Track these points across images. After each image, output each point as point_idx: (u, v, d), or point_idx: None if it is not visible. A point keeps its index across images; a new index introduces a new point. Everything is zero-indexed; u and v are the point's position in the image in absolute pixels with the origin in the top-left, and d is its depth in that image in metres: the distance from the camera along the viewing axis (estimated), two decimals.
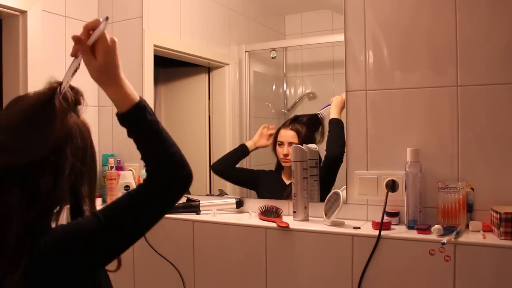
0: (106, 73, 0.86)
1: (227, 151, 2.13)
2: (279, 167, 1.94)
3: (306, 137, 1.84)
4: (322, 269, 1.42)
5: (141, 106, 0.85)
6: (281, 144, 1.88)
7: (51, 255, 0.76)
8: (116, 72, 0.86)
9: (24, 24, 1.80)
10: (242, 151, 2.00)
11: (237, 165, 2.02)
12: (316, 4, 2.06)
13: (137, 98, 0.86)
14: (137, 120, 0.85)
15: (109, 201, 1.88)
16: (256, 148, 1.98)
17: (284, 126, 1.90)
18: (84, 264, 0.79)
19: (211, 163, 2.11)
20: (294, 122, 1.89)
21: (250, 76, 2.15)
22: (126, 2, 2.06)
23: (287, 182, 1.89)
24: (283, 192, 1.83)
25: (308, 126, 1.88)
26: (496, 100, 1.37)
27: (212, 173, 2.12)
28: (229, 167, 2.01)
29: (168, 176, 0.84)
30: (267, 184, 1.96)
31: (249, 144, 1.99)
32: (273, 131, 1.97)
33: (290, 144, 1.84)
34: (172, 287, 1.65)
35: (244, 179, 2.00)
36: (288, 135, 1.87)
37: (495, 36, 1.37)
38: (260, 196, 1.92)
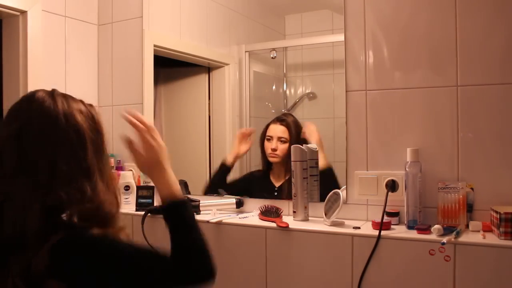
0: (149, 166, 0.99)
1: (227, 151, 2.13)
2: (268, 167, 1.91)
3: (296, 134, 1.83)
4: (322, 269, 1.42)
5: (175, 204, 0.98)
6: (270, 139, 1.86)
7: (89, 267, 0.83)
8: (159, 167, 0.98)
9: (24, 24, 1.80)
10: (223, 170, 1.96)
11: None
12: (316, 4, 2.06)
13: (176, 194, 0.98)
14: (172, 212, 0.97)
15: None
16: (239, 158, 1.95)
17: (273, 121, 1.88)
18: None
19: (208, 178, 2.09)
20: (284, 118, 1.88)
21: (250, 76, 2.15)
22: (126, 2, 2.06)
23: (276, 183, 1.87)
24: (273, 196, 1.82)
25: (297, 124, 1.87)
26: (496, 100, 1.37)
27: (212, 173, 2.12)
28: (220, 187, 1.96)
29: (189, 273, 0.93)
30: (257, 187, 1.93)
31: (228, 159, 1.95)
32: (250, 130, 1.96)
33: (279, 139, 1.83)
34: None
35: (239, 190, 1.91)
36: (278, 130, 1.85)
37: (495, 36, 1.37)
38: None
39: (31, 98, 0.90)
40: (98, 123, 0.95)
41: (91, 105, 0.97)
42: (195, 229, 0.97)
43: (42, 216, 0.82)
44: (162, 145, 0.98)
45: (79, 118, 0.90)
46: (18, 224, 0.81)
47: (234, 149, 1.97)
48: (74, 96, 0.95)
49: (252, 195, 1.79)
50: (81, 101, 0.95)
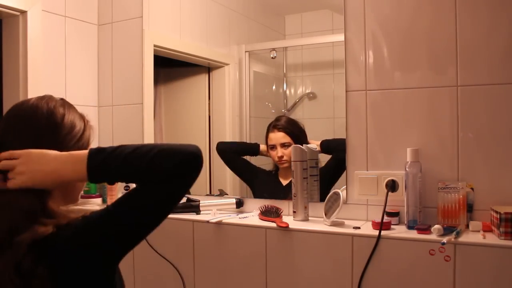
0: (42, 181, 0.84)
1: None
2: (276, 168, 1.94)
3: (296, 133, 1.85)
4: (322, 269, 1.42)
5: (93, 166, 0.82)
6: (273, 147, 1.88)
7: (73, 245, 0.79)
8: (45, 171, 0.83)
9: (24, 24, 1.80)
10: (252, 148, 2.00)
11: None
12: (316, 4, 2.06)
13: (84, 160, 0.82)
14: (104, 173, 0.83)
15: (108, 201, 1.88)
16: (265, 155, 1.97)
17: (271, 130, 1.90)
18: (101, 252, 0.81)
19: (215, 145, 2.10)
20: (279, 123, 1.90)
21: (250, 76, 2.15)
22: (126, 2, 2.06)
23: (284, 182, 1.89)
24: (281, 194, 1.82)
25: (293, 123, 1.90)
26: (496, 100, 1.37)
27: (212, 173, 2.12)
28: (233, 151, 2.01)
29: (172, 182, 0.82)
30: (265, 184, 1.95)
31: (262, 147, 1.98)
32: None
33: (282, 145, 1.85)
34: (172, 287, 1.65)
35: (242, 168, 1.99)
36: (278, 137, 1.87)
37: (495, 36, 1.37)
38: (256, 194, 1.92)
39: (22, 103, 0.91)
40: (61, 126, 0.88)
41: (82, 116, 0.94)
42: (127, 155, 0.82)
43: (19, 216, 0.80)
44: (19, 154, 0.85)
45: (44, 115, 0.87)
46: None
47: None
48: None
49: (257, 190, 1.81)
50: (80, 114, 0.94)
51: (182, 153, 0.83)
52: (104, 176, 0.83)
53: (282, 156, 1.85)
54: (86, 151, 0.83)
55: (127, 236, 0.83)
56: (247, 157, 2.03)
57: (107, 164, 0.82)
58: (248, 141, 2.11)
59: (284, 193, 1.81)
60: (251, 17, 2.20)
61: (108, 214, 0.82)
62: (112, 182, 0.87)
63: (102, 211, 0.82)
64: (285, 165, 1.86)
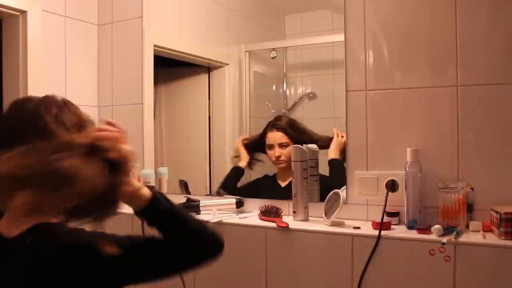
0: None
1: (227, 151, 2.13)
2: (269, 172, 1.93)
3: (295, 134, 1.84)
4: (322, 269, 1.42)
5: (154, 199, 0.88)
6: (271, 147, 1.88)
7: (72, 258, 0.79)
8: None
9: (24, 24, 1.80)
10: (237, 173, 1.98)
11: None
12: (316, 4, 2.05)
13: (148, 194, 0.87)
14: (153, 214, 0.88)
15: None
16: (251, 167, 1.97)
17: (269, 129, 1.89)
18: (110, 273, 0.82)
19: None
20: (278, 123, 1.89)
21: (250, 76, 2.15)
22: (126, 2, 2.06)
23: (283, 184, 1.88)
24: (280, 195, 1.82)
25: (293, 124, 1.89)
26: (496, 100, 1.37)
27: (212, 173, 2.12)
28: (233, 189, 1.97)
29: (195, 255, 0.90)
30: (265, 189, 1.94)
31: (243, 164, 1.97)
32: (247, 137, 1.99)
33: (280, 145, 1.85)
34: (172, 287, 1.65)
35: (250, 194, 1.95)
36: (276, 137, 1.87)
37: (495, 36, 1.37)
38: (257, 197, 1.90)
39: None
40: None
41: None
42: (181, 216, 0.91)
43: None
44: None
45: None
46: None
47: (243, 157, 1.98)
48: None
49: (260, 197, 1.80)
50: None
51: (217, 241, 0.95)
52: (157, 214, 0.87)
53: (279, 156, 1.85)
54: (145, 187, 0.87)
55: (131, 274, 0.85)
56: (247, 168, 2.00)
57: (166, 206, 0.88)
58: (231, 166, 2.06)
59: (284, 194, 1.81)
60: (251, 17, 2.20)
61: (128, 246, 0.83)
62: (153, 224, 0.89)
63: (126, 240, 0.84)
64: (282, 165, 1.85)
